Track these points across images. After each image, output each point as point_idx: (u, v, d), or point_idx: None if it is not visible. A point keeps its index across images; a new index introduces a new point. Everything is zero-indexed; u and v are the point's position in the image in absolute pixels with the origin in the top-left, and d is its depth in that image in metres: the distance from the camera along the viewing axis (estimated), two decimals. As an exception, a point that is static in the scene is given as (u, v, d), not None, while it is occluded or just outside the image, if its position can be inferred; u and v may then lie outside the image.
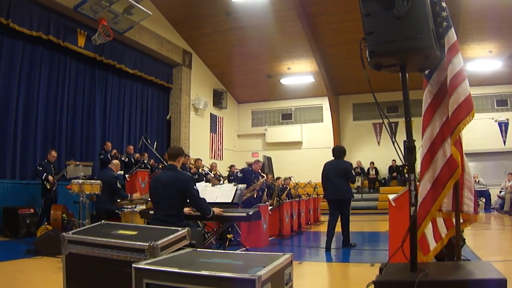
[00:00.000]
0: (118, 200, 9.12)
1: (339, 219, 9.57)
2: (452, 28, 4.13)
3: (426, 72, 4.28)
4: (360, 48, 3.67)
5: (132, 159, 14.82)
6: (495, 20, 16.84)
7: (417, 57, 3.68)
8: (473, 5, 16.21)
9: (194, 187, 5.99)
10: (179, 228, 4.06)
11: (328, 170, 9.80)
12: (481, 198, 20.17)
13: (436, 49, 3.60)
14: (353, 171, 9.82)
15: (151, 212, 6.59)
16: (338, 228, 9.44)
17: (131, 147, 15.47)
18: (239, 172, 13.68)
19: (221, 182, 13.13)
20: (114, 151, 14.15)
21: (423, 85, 4.35)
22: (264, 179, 12.65)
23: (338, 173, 9.55)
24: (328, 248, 9.28)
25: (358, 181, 23.21)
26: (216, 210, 6.34)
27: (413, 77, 3.95)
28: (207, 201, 6.43)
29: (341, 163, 9.80)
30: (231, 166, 17.89)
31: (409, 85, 3.79)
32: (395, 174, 22.99)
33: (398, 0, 3.49)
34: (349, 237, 9.71)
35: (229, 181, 15.75)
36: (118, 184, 9.28)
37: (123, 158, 14.67)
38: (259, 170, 13.02)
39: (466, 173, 4.24)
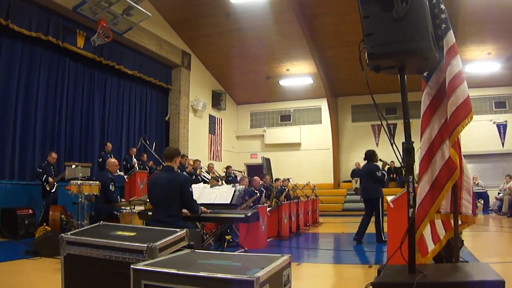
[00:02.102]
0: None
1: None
2: (451, 30, 4.14)
3: (425, 74, 4.29)
4: (359, 50, 3.68)
5: (129, 165, 14.75)
6: (494, 22, 16.87)
7: (416, 59, 3.68)
8: (472, 7, 16.23)
9: (190, 188, 6.03)
10: (178, 229, 4.07)
11: (360, 173, 11.59)
12: (480, 200, 20.19)
13: (435, 51, 3.61)
14: (378, 172, 10.54)
15: (150, 213, 6.59)
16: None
17: (134, 149, 15.43)
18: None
19: (220, 183, 13.15)
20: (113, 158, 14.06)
21: (422, 87, 4.36)
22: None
23: (366, 175, 10.75)
24: (355, 240, 10.56)
25: (356, 182, 23.24)
26: (203, 208, 6.43)
27: (412, 78, 3.96)
28: (206, 202, 6.48)
29: (368, 165, 10.78)
30: (228, 167, 17.95)
31: (408, 87, 3.80)
32: (393, 175, 22.97)
33: (397, 2, 3.49)
34: (382, 234, 10.36)
35: (227, 182, 15.78)
36: (111, 187, 9.21)
37: (124, 163, 14.68)
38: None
39: (465, 175, 4.25)
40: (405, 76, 3.78)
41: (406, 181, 3.72)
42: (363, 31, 3.65)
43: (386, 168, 10.98)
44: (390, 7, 3.52)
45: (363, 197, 10.91)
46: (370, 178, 10.54)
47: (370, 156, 10.79)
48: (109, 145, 14.11)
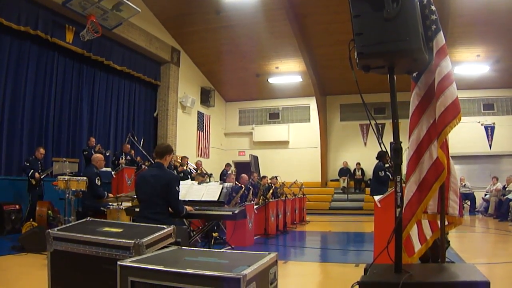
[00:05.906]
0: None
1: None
2: (441, 32, 4.15)
3: (414, 74, 4.29)
4: (348, 49, 3.67)
5: (117, 162, 14.68)
6: (483, 24, 16.96)
7: (406, 60, 3.68)
8: (462, 9, 16.30)
9: (177, 187, 5.98)
10: (165, 226, 4.05)
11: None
12: (466, 201, 20.31)
13: (425, 52, 3.61)
14: (381, 172, 10.87)
15: (137, 209, 6.56)
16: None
17: (128, 146, 15.43)
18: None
19: (207, 179, 13.17)
20: (98, 146, 14.01)
21: (411, 87, 4.36)
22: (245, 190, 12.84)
23: (373, 174, 11.37)
24: None
25: (344, 181, 23.31)
26: (188, 208, 6.37)
27: (401, 79, 3.96)
28: (193, 199, 6.45)
29: (376, 165, 11.20)
30: (227, 165, 18.27)
31: (397, 87, 3.80)
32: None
33: (388, 2, 3.49)
34: None
35: (221, 179, 15.92)
36: (97, 181, 9.16)
37: (107, 154, 14.54)
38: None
39: (452, 175, 4.26)
40: (395, 76, 3.78)
41: (393, 180, 3.74)
42: (353, 31, 3.65)
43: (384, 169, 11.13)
44: (381, 7, 3.52)
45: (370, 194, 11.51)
46: (375, 178, 11.08)
47: (381, 156, 11.09)
48: (92, 139, 14.00)
